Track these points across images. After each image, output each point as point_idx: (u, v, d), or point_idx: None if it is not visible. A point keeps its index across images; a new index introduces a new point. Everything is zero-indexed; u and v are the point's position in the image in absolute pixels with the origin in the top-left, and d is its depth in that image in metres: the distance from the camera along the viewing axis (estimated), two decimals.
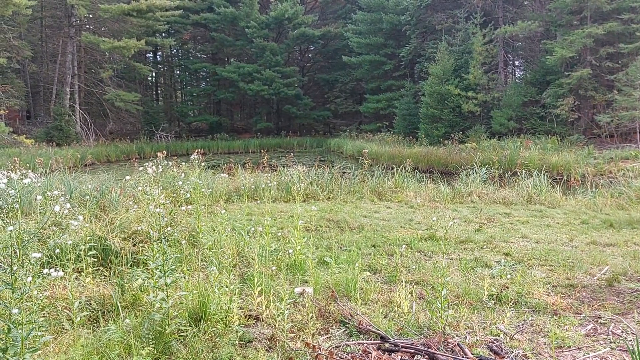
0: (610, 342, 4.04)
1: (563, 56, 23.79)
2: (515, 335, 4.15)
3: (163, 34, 41.67)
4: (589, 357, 3.81)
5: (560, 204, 10.64)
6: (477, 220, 9.07)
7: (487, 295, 4.99)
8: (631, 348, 3.67)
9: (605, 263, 6.13)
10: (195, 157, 9.75)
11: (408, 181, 12.94)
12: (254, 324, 4.42)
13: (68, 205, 4.63)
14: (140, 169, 7.97)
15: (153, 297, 4.15)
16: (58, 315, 4.31)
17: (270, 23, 39.77)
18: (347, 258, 6.20)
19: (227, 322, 4.16)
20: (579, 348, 3.96)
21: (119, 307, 4.40)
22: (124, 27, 35.47)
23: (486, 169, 13.47)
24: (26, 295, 3.09)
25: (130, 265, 5.62)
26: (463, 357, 3.63)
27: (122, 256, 5.74)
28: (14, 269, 3.02)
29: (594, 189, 11.79)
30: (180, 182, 9.27)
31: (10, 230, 3.09)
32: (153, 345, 3.74)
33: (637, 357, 3.42)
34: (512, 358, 3.76)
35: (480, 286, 5.18)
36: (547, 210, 10.03)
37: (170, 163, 12.09)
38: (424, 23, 33.04)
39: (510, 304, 4.77)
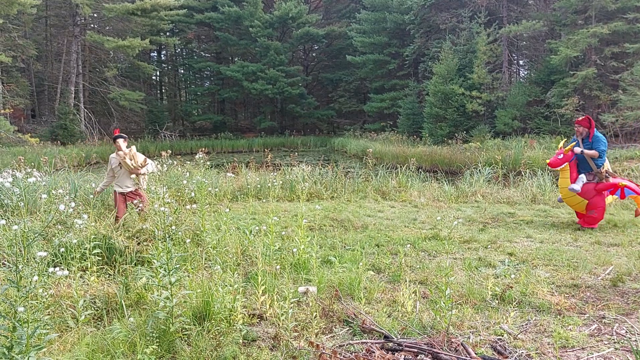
0: (615, 342, 4.03)
1: (568, 56, 23.71)
2: (519, 335, 4.14)
3: (167, 33, 41.75)
4: (592, 357, 3.80)
5: (565, 204, 10.59)
6: (481, 219, 9.05)
7: (491, 295, 4.99)
8: (635, 348, 3.66)
9: (609, 263, 6.12)
10: (201, 156, 9.79)
11: (412, 180, 12.93)
12: (257, 322, 4.43)
13: (73, 204, 4.65)
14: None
15: (157, 295, 4.16)
16: (63, 313, 4.33)
17: (274, 22, 39.80)
18: (350, 257, 6.20)
19: (231, 321, 4.17)
20: (582, 348, 3.95)
21: (124, 305, 4.42)
22: (128, 26, 35.57)
23: (490, 169, 13.44)
24: (31, 294, 3.11)
25: (135, 264, 5.64)
26: (467, 356, 3.62)
27: (126, 255, 5.77)
28: (20, 267, 3.03)
29: None
30: (184, 181, 9.29)
31: (16, 229, 3.10)
32: (157, 344, 3.75)
33: None
34: (515, 358, 3.76)
35: (484, 286, 5.17)
36: (551, 210, 10.00)
37: (175, 162, 12.12)
38: (428, 22, 32.99)
39: (514, 303, 4.76)
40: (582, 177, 8.02)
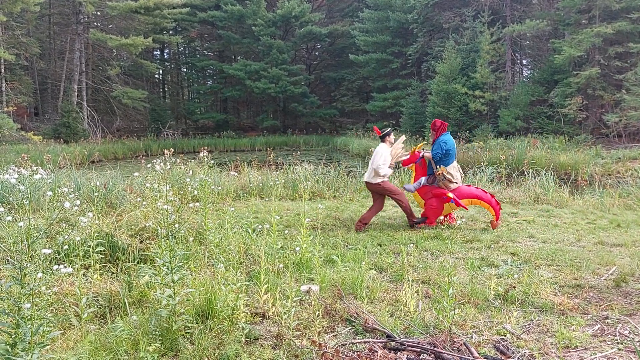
0: (618, 343, 4.02)
1: (571, 55, 23.65)
2: (521, 335, 4.14)
3: (170, 32, 41.76)
4: (595, 357, 3.80)
5: (568, 204, 10.58)
6: (483, 219, 9.04)
7: (494, 294, 4.98)
8: (638, 349, 3.66)
9: (612, 263, 6.10)
10: (204, 154, 9.81)
11: None
12: (260, 321, 4.44)
13: (78, 202, 4.66)
14: (149, 166, 8.01)
15: (160, 293, 4.16)
16: (66, 311, 4.34)
17: (277, 21, 39.78)
18: (353, 256, 6.20)
19: (234, 320, 4.17)
20: (585, 348, 3.94)
21: (126, 303, 4.42)
22: (131, 25, 35.58)
23: (493, 168, 13.42)
24: (35, 291, 3.11)
25: (138, 262, 5.65)
26: (469, 356, 3.62)
27: (129, 253, 5.77)
28: (24, 264, 3.04)
29: (601, 189, 11.72)
30: (188, 180, 9.30)
31: (20, 226, 3.11)
32: (160, 342, 3.76)
33: None
34: (518, 358, 3.75)
35: (487, 285, 5.17)
36: (554, 210, 9.97)
37: (178, 160, 12.14)
38: (431, 21, 32.95)
39: (517, 303, 4.76)
40: (422, 179, 8.43)
